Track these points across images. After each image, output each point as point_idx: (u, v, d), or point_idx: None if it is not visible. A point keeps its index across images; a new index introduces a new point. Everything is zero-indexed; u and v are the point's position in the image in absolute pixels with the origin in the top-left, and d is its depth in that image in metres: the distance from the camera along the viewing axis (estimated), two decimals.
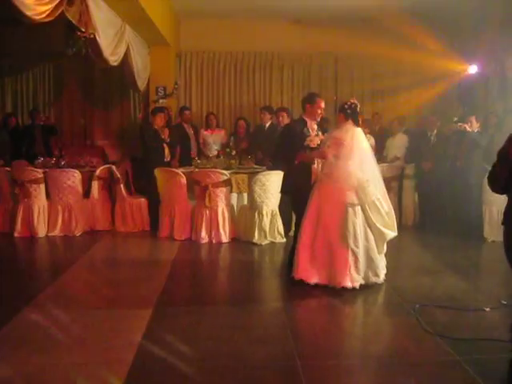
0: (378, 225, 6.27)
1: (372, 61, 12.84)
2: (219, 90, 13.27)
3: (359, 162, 6.25)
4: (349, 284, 6.07)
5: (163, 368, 4.27)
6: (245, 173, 9.18)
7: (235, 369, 4.27)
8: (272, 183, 8.67)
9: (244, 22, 12.36)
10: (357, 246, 6.16)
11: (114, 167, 9.84)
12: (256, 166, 9.55)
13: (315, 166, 6.67)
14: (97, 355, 4.47)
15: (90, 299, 6.05)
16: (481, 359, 4.46)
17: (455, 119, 10.26)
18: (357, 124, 6.42)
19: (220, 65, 13.23)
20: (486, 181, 8.87)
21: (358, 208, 6.23)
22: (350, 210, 6.21)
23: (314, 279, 6.24)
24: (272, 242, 8.74)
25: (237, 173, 9.17)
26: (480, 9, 10.66)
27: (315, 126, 6.92)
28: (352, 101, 6.51)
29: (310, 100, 7.01)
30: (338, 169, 6.26)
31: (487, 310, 5.53)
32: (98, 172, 9.69)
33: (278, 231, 8.83)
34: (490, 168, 8.82)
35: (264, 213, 8.70)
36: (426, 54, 11.46)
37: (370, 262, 6.25)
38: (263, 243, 8.64)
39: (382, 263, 6.41)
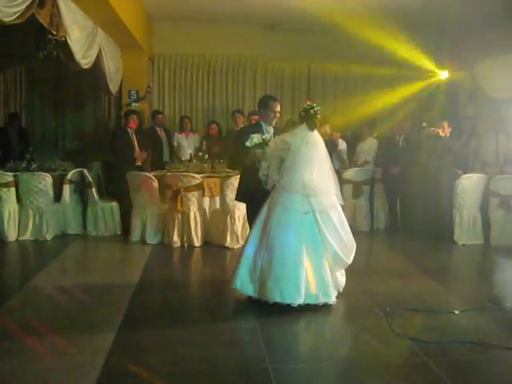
0: (329, 238, 5.77)
1: (345, 66, 12.92)
2: (192, 94, 13.26)
3: (310, 167, 5.85)
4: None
5: (134, 373, 4.24)
6: (217, 177, 9.17)
7: (206, 373, 4.26)
8: None
9: (217, 26, 12.37)
10: (286, 258, 5.70)
11: (85, 171, 9.76)
12: (228, 170, 9.54)
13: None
14: (67, 361, 4.42)
15: (61, 304, 5.99)
16: (450, 361, 4.51)
17: (424, 124, 10.39)
18: (311, 128, 5.96)
19: (193, 68, 13.22)
20: (457, 185, 9.01)
21: (309, 216, 5.77)
22: (298, 217, 5.79)
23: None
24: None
25: (209, 177, 9.16)
26: (451, 16, 10.77)
27: (271, 130, 6.58)
28: (308, 103, 6.17)
29: (262, 103, 6.78)
30: (285, 175, 5.88)
31: (457, 312, 5.59)
32: (69, 175, 9.61)
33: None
34: (461, 173, 8.97)
35: (236, 217, 8.70)
36: (397, 60, 11.56)
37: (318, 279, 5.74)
38: (235, 247, 8.63)
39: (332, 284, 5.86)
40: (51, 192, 9.32)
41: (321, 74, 13.25)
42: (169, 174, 9.15)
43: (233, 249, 8.59)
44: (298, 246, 5.69)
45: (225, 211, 8.78)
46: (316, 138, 6.00)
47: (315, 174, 5.85)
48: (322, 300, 5.68)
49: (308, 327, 5.46)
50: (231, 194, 8.63)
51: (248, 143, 6.06)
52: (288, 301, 5.57)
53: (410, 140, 10.16)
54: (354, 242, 6.01)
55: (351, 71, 12.90)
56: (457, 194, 9.06)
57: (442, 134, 9.53)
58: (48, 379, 4.12)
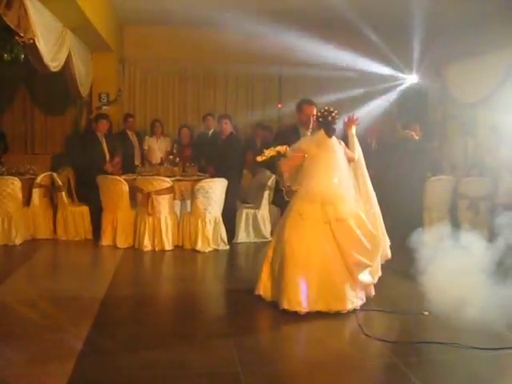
0: (348, 249, 5.71)
1: (316, 69, 12.96)
2: (163, 98, 13.21)
3: (327, 174, 5.77)
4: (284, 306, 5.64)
5: (104, 378, 4.21)
6: (188, 180, 9.15)
7: (176, 377, 4.25)
8: (215, 190, 8.69)
9: (189, 30, 12.33)
10: (308, 267, 5.63)
11: (55, 174, 9.67)
12: (199, 174, 9.54)
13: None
14: (36, 366, 4.38)
15: (30, 310, 5.90)
16: (419, 361, 4.56)
17: (398, 126, 10.47)
18: (329, 134, 5.85)
19: (164, 72, 13.17)
20: (426, 187, 9.10)
21: (321, 225, 5.71)
22: (309, 225, 5.73)
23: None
24: (215, 250, 8.74)
25: (180, 180, 9.13)
26: (419, 19, 10.86)
27: (308, 133, 6.51)
28: (326, 108, 5.94)
29: (297, 106, 6.80)
30: (303, 183, 5.84)
31: (426, 313, 5.64)
32: (38, 179, 9.50)
33: (221, 238, 8.84)
34: (430, 175, 9.06)
35: (207, 220, 8.69)
36: (368, 63, 11.64)
37: (330, 287, 5.66)
38: (207, 250, 8.62)
39: (352, 291, 5.78)
40: (20, 196, 9.20)
41: (292, 77, 13.28)
42: (139, 177, 9.10)
43: (204, 252, 8.58)
44: (310, 254, 5.64)
45: (196, 215, 8.75)
46: (333, 143, 5.88)
47: (333, 181, 5.78)
48: (333, 308, 5.63)
49: (278, 330, 5.46)
50: (202, 197, 8.62)
51: (259, 158, 6.03)
52: (295, 308, 5.55)
53: (382, 143, 10.24)
54: (384, 244, 6.18)
55: (322, 74, 12.93)
56: (426, 196, 9.14)
57: (416, 137, 9.62)
58: None
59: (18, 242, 9.04)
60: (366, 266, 5.90)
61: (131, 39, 12.68)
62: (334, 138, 5.88)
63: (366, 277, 5.96)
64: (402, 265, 7.72)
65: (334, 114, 5.86)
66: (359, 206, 5.94)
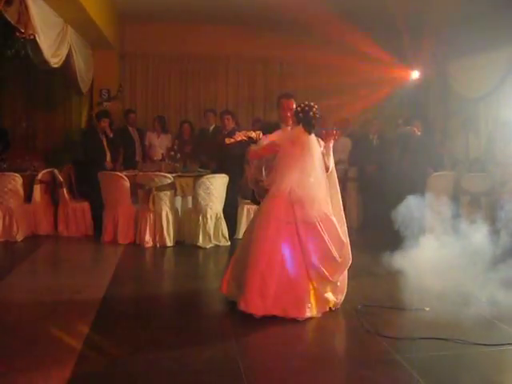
0: (310, 251, 5.46)
1: (316, 65, 12.95)
2: (164, 93, 13.19)
3: (300, 174, 5.49)
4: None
5: (105, 373, 4.22)
6: (189, 176, 9.15)
7: (177, 373, 4.24)
8: (216, 186, 8.69)
9: (190, 25, 12.32)
10: (254, 267, 5.42)
11: (56, 171, 9.67)
12: (200, 170, 9.53)
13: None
14: (37, 363, 4.37)
15: (31, 306, 5.91)
16: (420, 358, 4.55)
17: (400, 121, 10.45)
18: (309, 130, 5.53)
19: (165, 68, 13.15)
20: (428, 182, 9.08)
21: (287, 226, 5.46)
22: (275, 226, 5.48)
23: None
24: (216, 246, 8.75)
25: (181, 176, 9.14)
26: (421, 15, 10.84)
27: (288, 130, 6.01)
28: (306, 102, 5.64)
29: (276, 102, 6.39)
30: (274, 180, 5.60)
31: (427, 309, 5.63)
32: (40, 176, 9.51)
33: (222, 234, 8.85)
34: (433, 171, 9.03)
35: (208, 216, 8.69)
36: (369, 59, 11.62)
37: (288, 292, 5.40)
38: (208, 246, 8.63)
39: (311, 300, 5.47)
40: (21, 192, 9.22)
41: (293, 73, 13.26)
42: (140, 173, 9.10)
43: (205, 248, 8.59)
44: (272, 256, 5.40)
45: (197, 211, 8.75)
46: (311, 141, 5.56)
47: (307, 180, 5.48)
48: (290, 314, 5.34)
49: (280, 326, 5.44)
50: (203, 193, 8.62)
51: (227, 141, 5.90)
52: (251, 310, 5.36)
53: (384, 138, 10.22)
54: (350, 259, 5.74)
55: (323, 70, 12.92)
56: (428, 192, 9.12)
57: (418, 132, 9.60)
58: (17, 381, 4.07)
59: (19, 238, 9.04)
60: (327, 282, 5.56)
61: (132, 35, 12.63)
62: (312, 135, 5.58)
63: (327, 294, 5.63)
64: (402, 261, 7.73)
65: (314, 109, 5.56)
66: (330, 210, 5.62)
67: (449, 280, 6.13)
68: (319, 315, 5.45)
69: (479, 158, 10.60)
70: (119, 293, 6.45)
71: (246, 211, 9.45)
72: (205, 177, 8.74)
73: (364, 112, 12.15)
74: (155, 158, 10.73)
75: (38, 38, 7.25)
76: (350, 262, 5.77)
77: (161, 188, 8.73)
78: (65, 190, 9.53)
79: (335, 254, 5.54)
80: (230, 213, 9.10)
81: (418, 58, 12.15)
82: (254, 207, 9.39)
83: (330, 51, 11.64)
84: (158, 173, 8.95)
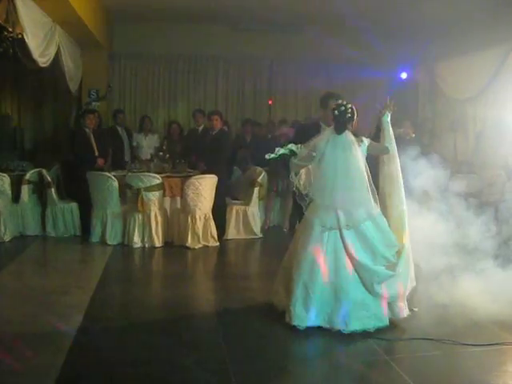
0: (357, 256, 5.14)
1: (306, 66, 12.98)
2: (153, 94, 13.20)
3: (336, 174, 5.23)
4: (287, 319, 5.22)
5: (93, 374, 4.21)
6: (178, 177, 9.14)
7: (166, 373, 4.23)
8: (205, 187, 8.67)
9: (179, 25, 12.32)
10: (311, 280, 5.14)
11: (44, 171, 9.62)
12: (189, 170, 9.52)
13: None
14: (25, 363, 4.35)
15: (19, 306, 5.88)
16: (409, 358, 4.57)
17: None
18: (338, 130, 5.29)
19: (154, 68, 13.17)
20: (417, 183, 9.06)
21: (330, 233, 5.20)
22: (317, 233, 5.24)
23: None
24: (205, 246, 8.73)
25: (170, 177, 9.12)
26: (410, 17, 10.89)
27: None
28: (344, 102, 5.40)
29: (322, 102, 6.22)
30: (313, 185, 5.41)
31: (416, 309, 5.64)
32: (28, 176, 9.47)
33: (211, 235, 8.83)
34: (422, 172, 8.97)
35: (197, 216, 8.67)
36: (358, 60, 11.65)
37: (336, 303, 5.12)
38: (196, 247, 8.61)
39: (364, 310, 5.13)
40: (9, 192, 9.16)
41: (282, 73, 13.29)
42: (129, 173, 9.07)
43: (194, 249, 8.56)
44: (313, 265, 5.16)
45: (186, 211, 8.73)
46: (347, 141, 5.27)
47: (344, 182, 5.23)
48: (336, 327, 5.06)
49: (270, 327, 5.43)
50: (192, 193, 8.60)
51: (267, 156, 5.46)
52: (294, 322, 5.13)
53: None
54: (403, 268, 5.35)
55: (312, 71, 12.95)
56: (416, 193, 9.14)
57: (412, 134, 9.61)
58: (6, 381, 4.06)
59: (6, 238, 8.98)
60: (386, 277, 5.22)
61: (121, 35, 12.64)
62: (346, 134, 5.27)
63: (386, 289, 5.23)
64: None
65: (342, 108, 5.33)
66: (375, 209, 5.33)
67: (436, 281, 6.14)
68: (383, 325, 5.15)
69: (467, 159, 10.64)
70: (108, 294, 6.43)
71: (235, 212, 9.47)
72: (194, 177, 8.72)
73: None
74: (144, 159, 10.69)
75: (26, 38, 7.22)
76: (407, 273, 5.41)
77: (149, 188, 8.70)
78: (53, 190, 9.47)
79: (386, 253, 5.25)
80: (219, 213, 9.09)
81: (407, 59, 12.20)
82: (242, 208, 9.44)
83: (320, 51, 11.67)
84: (146, 173, 8.92)
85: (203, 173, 9.00)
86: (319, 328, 5.10)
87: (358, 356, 4.68)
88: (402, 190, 5.62)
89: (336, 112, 5.32)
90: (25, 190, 9.43)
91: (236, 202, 9.77)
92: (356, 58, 11.64)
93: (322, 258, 5.15)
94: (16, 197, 9.39)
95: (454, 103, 11.72)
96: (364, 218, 5.23)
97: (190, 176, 8.86)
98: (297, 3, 10.38)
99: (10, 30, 6.58)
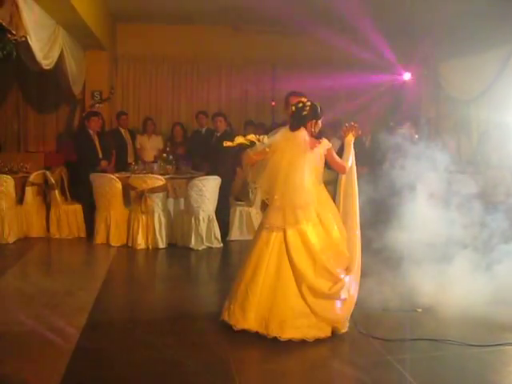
0: (300, 267, 4.92)
1: (309, 66, 12.96)
2: (157, 95, 13.20)
3: (287, 173, 5.06)
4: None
5: (97, 376, 4.21)
6: (181, 178, 9.15)
7: (170, 375, 4.24)
8: (209, 188, 8.68)
9: (182, 26, 12.34)
10: (252, 281, 5.03)
11: (48, 173, 9.65)
12: (193, 172, 9.53)
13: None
14: (29, 364, 4.37)
15: (23, 307, 5.89)
16: (411, 359, 4.56)
17: (392, 124, 10.46)
18: (292, 127, 5.11)
19: (158, 70, 13.16)
20: (418, 184, 9.06)
21: (277, 234, 5.05)
22: (264, 233, 5.13)
23: None
24: (209, 247, 8.74)
25: (173, 178, 9.13)
26: (413, 17, 10.88)
27: None
28: (298, 99, 5.27)
29: (284, 100, 6.10)
30: (262, 184, 5.30)
31: (419, 310, 5.64)
32: (31, 178, 9.50)
33: (214, 236, 8.84)
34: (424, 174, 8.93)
35: (201, 218, 8.68)
36: (361, 61, 11.64)
37: (274, 308, 4.94)
38: (200, 248, 8.62)
39: (304, 319, 4.92)
40: (13, 194, 9.19)
41: (285, 75, 13.28)
42: (133, 175, 9.08)
43: (197, 250, 8.58)
44: (256, 266, 5.04)
45: (189, 212, 8.75)
46: (299, 139, 5.09)
47: (293, 181, 5.06)
48: (270, 333, 4.89)
49: None
50: (196, 195, 8.61)
51: (225, 144, 5.41)
52: (230, 321, 5.10)
53: (376, 140, 10.22)
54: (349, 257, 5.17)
55: (315, 72, 12.94)
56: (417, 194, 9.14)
57: (416, 135, 9.60)
58: (10, 382, 4.07)
59: (10, 240, 9.00)
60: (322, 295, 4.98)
61: (124, 37, 12.64)
62: (299, 132, 5.08)
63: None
64: (394, 263, 7.75)
65: (298, 105, 5.15)
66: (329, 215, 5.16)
67: (439, 281, 6.14)
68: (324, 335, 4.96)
69: (471, 160, 10.62)
70: (111, 295, 6.46)
71: (239, 213, 9.48)
72: (197, 179, 8.73)
73: (356, 113, 12.17)
74: (147, 160, 10.71)
75: (29, 40, 7.23)
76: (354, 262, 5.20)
77: (153, 190, 8.72)
78: (57, 192, 9.50)
79: (328, 265, 4.99)
80: (223, 214, 9.10)
81: (410, 60, 12.18)
82: (246, 209, 9.43)
83: (324, 53, 11.67)
84: (150, 175, 8.94)
85: (207, 174, 9.01)
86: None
87: (360, 356, 4.68)
88: (357, 213, 5.35)
89: (293, 108, 5.16)
90: (29, 192, 9.46)
91: (239, 203, 9.78)
92: (359, 59, 11.62)
93: (265, 260, 5.00)
94: (20, 199, 9.43)
95: (458, 104, 11.70)
96: (309, 219, 5.04)
97: (194, 177, 8.88)
98: (299, 4, 10.38)
99: (14, 32, 6.58)
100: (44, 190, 9.81)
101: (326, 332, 4.96)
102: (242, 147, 5.44)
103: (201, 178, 8.80)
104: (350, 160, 5.35)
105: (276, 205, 5.12)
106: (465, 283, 5.94)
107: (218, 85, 13.33)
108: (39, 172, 9.74)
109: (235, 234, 9.46)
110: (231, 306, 5.14)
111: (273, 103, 13.34)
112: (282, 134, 5.19)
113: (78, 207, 9.57)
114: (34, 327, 5.22)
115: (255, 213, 9.50)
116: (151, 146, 11.40)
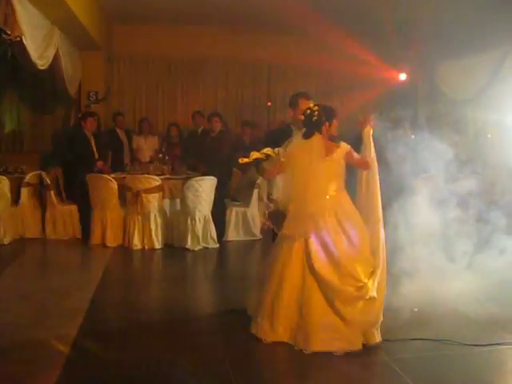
0: (324, 275, 4.74)
1: (305, 68, 12.98)
2: (152, 96, 13.19)
3: (303, 181, 4.94)
4: None
5: (93, 376, 4.21)
6: (177, 178, 9.13)
7: (166, 376, 4.23)
8: (205, 189, 8.67)
9: (178, 27, 12.32)
10: (278, 295, 4.90)
11: (43, 173, 9.62)
12: (189, 172, 9.52)
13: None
14: (25, 366, 4.35)
15: (19, 308, 5.86)
16: (409, 358, 4.56)
17: (387, 124, 10.45)
18: (304, 135, 5.02)
19: (153, 70, 13.15)
20: (416, 185, 9.07)
21: (299, 245, 4.88)
22: (287, 245, 4.97)
23: None
24: (205, 248, 8.73)
25: (169, 178, 9.12)
26: (410, 17, 10.88)
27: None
28: (310, 106, 5.10)
29: (290, 102, 5.94)
30: (282, 196, 5.14)
31: (416, 310, 5.64)
32: (27, 178, 9.47)
33: (210, 236, 8.83)
34: (421, 173, 8.96)
35: (197, 218, 8.67)
36: (358, 61, 11.65)
37: (301, 320, 4.81)
38: (196, 249, 8.61)
39: (330, 332, 4.71)
40: (8, 195, 9.16)
41: (281, 75, 13.29)
42: (128, 176, 9.07)
43: (194, 250, 8.56)
44: (280, 279, 4.90)
45: (185, 213, 8.73)
46: (314, 146, 4.96)
47: (313, 189, 4.92)
48: (298, 345, 4.74)
49: None
50: (192, 195, 8.60)
51: (241, 161, 5.19)
52: (260, 335, 4.94)
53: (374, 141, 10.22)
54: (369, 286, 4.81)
55: (311, 73, 12.96)
56: (417, 193, 9.14)
57: (412, 135, 9.60)
58: None
59: (6, 241, 8.97)
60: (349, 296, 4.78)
61: (120, 37, 12.63)
62: (314, 139, 4.97)
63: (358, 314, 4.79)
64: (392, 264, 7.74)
65: (308, 112, 5.03)
66: (352, 222, 4.97)
67: (436, 281, 6.14)
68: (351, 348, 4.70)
69: (468, 160, 10.62)
70: (107, 296, 6.45)
71: (235, 213, 9.47)
72: (193, 179, 8.72)
73: (353, 113, 12.17)
74: (143, 161, 10.69)
75: (24, 40, 7.20)
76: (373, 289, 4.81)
77: (149, 190, 8.70)
78: (52, 193, 9.47)
79: (348, 266, 4.80)
80: (219, 215, 9.09)
81: (406, 60, 12.19)
82: (242, 209, 9.43)
83: (319, 53, 11.67)
84: (146, 175, 8.92)
85: (203, 175, 8.99)
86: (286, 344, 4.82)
87: (357, 356, 4.67)
88: (380, 208, 5.13)
89: (302, 117, 5.06)
90: (24, 193, 9.43)
91: (235, 203, 9.77)
92: (355, 60, 11.63)
93: (289, 271, 4.86)
94: (16, 199, 9.39)
95: (454, 104, 11.72)
96: (331, 227, 4.86)
97: (190, 178, 8.86)
98: (295, 5, 10.36)
99: (9, 32, 6.57)
100: (40, 191, 9.77)
101: (355, 345, 4.70)
102: (258, 162, 5.26)
103: (197, 178, 8.79)
104: (372, 154, 5.15)
105: (295, 214, 4.96)
106: (458, 282, 5.96)
107: (213, 85, 13.31)
108: (35, 173, 9.71)
109: (231, 235, 9.45)
110: (258, 319, 4.99)
111: (268, 103, 13.34)
112: (296, 142, 5.08)
113: (73, 208, 9.54)
114: (30, 328, 5.20)
115: (252, 213, 9.50)
116: (147, 146, 11.37)
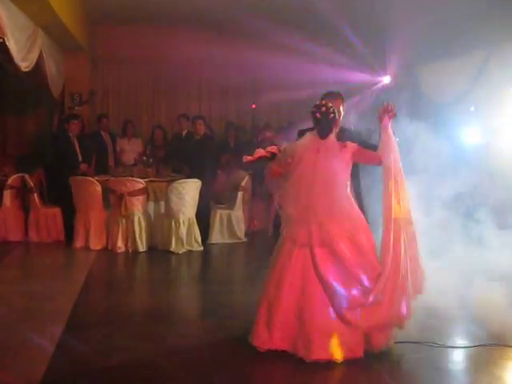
0: (329, 279, 4.53)
1: (289, 71, 12.97)
2: (137, 98, 13.14)
3: (314, 184, 4.63)
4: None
5: (77, 380, 4.19)
6: (161, 181, 9.11)
7: (149, 378, 4.21)
8: (189, 191, 8.66)
9: (163, 29, 12.28)
10: (275, 300, 4.66)
11: (26, 176, 9.56)
12: (173, 175, 9.50)
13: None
14: (7, 368, 4.32)
15: (1, 313, 5.80)
16: (392, 361, 4.56)
17: (372, 128, 10.49)
18: (320, 134, 4.72)
19: (138, 72, 13.09)
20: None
21: (300, 250, 4.64)
22: (286, 249, 4.72)
23: None
24: (189, 251, 8.72)
25: (153, 181, 9.10)
26: (392, 20, 10.93)
27: None
28: (321, 103, 4.83)
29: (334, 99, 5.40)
30: (286, 197, 4.91)
31: None
32: (10, 181, 9.41)
33: (195, 239, 8.82)
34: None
35: (181, 221, 8.65)
36: (341, 65, 11.67)
37: (301, 327, 4.57)
38: (180, 251, 8.59)
39: (333, 338, 4.51)
40: None
41: (266, 78, 13.28)
42: (112, 178, 9.04)
43: (178, 253, 8.54)
44: (279, 284, 4.66)
45: (169, 216, 8.71)
46: (331, 146, 4.70)
47: (322, 193, 4.63)
48: (298, 352, 4.52)
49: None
50: (176, 198, 8.58)
51: (245, 159, 5.04)
52: (255, 343, 4.68)
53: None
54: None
55: (296, 76, 12.95)
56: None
57: (397, 139, 9.62)
58: None
59: None
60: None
61: (104, 39, 12.55)
62: (330, 139, 4.73)
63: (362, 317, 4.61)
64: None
65: (323, 109, 4.72)
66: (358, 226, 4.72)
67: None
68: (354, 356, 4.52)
69: (451, 163, 10.67)
70: (91, 299, 6.43)
71: (219, 216, 9.47)
72: (177, 181, 8.71)
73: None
74: (127, 163, 10.66)
75: (7, 42, 7.17)
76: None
77: (133, 193, 8.68)
78: (36, 196, 9.43)
79: (363, 278, 4.59)
80: (203, 218, 9.08)
81: (389, 63, 12.24)
82: (226, 212, 9.44)
83: (303, 55, 11.69)
84: (130, 178, 8.90)
85: (187, 177, 8.98)
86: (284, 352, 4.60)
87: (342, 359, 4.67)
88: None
89: (317, 114, 4.70)
90: (7, 196, 9.38)
91: (220, 206, 9.77)
92: (339, 62, 11.65)
93: (288, 275, 4.61)
94: None
95: (437, 106, 11.77)
96: (341, 235, 4.61)
97: (174, 180, 8.84)
98: (281, 8, 10.40)
99: None
100: (23, 194, 9.72)
101: (356, 352, 4.52)
102: (263, 160, 5.02)
103: (181, 181, 8.77)
104: (393, 149, 4.95)
105: (300, 218, 4.68)
106: (440, 284, 5.97)
107: (198, 87, 13.30)
108: (18, 175, 9.65)
109: (216, 237, 9.45)
110: (254, 326, 4.74)
111: (253, 106, 13.34)
112: (308, 142, 4.79)
113: (57, 211, 9.49)
114: (12, 332, 5.16)
115: (236, 216, 9.51)
116: (131, 148, 11.33)
